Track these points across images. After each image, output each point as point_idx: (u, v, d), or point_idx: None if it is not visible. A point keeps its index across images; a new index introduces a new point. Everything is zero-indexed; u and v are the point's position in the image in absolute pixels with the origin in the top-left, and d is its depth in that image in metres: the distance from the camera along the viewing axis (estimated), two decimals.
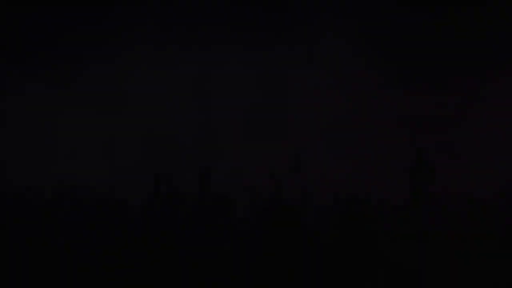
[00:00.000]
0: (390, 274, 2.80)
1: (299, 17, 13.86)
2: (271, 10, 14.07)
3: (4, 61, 14.58)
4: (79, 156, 14.29)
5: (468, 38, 13.39)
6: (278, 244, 2.72)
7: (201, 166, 5.02)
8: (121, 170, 13.62)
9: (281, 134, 14.30)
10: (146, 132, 14.91)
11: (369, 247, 2.74)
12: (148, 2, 14.17)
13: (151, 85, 15.27)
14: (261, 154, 13.69)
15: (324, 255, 3.38)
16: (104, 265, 4.32)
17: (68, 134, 14.80)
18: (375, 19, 13.44)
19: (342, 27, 13.63)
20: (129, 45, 14.37)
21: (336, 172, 12.20)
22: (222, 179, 9.61)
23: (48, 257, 4.00)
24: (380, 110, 15.14)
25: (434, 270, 3.62)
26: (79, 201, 7.26)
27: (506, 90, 13.90)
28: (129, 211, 7.09)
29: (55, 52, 14.26)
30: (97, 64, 14.36)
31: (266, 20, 14.03)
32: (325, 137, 14.20)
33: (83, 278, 4.11)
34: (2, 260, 3.93)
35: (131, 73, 15.11)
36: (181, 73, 15.38)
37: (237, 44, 14.32)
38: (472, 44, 13.47)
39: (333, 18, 13.68)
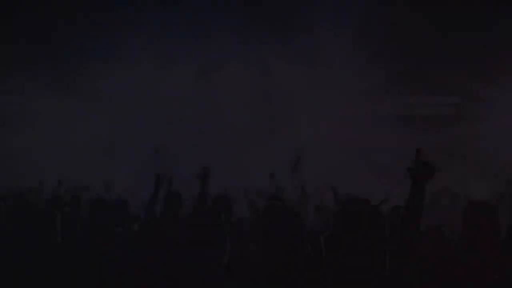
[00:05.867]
0: (390, 273, 2.79)
1: (300, 16, 13.88)
2: (271, 9, 14.09)
3: (4, 61, 14.60)
4: (79, 156, 14.30)
5: (468, 38, 13.40)
6: (278, 244, 2.71)
7: (200, 166, 5.00)
8: (121, 170, 13.63)
9: (280, 134, 14.31)
10: (146, 132, 14.92)
11: (369, 247, 2.74)
12: (148, 1, 14.19)
13: (150, 84, 15.28)
14: (261, 154, 13.70)
15: (324, 255, 3.37)
16: (103, 266, 4.31)
17: (68, 134, 14.81)
18: (375, 19, 13.45)
19: (342, 26, 13.65)
20: (129, 44, 14.37)
21: (336, 172, 12.20)
22: (222, 179, 9.58)
23: (47, 257, 3.99)
24: (380, 110, 15.15)
25: (433, 270, 3.61)
26: (78, 201, 7.24)
27: (506, 90, 13.91)
28: (129, 211, 7.08)
29: (55, 51, 14.27)
30: (97, 64, 14.37)
31: (266, 18, 14.05)
32: (325, 137, 14.21)
33: (82, 279, 4.10)
34: (2, 260, 3.92)
35: (130, 72, 15.12)
36: (181, 72, 15.39)
37: (236, 43, 14.33)
38: (472, 44, 13.48)
39: (333, 18, 13.70)
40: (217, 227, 3.49)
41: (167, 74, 15.37)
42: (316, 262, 3.10)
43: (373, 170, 13.50)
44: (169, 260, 3.69)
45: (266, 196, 7.44)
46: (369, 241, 2.92)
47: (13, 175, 12.88)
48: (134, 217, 6.67)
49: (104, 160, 14.21)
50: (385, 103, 15.17)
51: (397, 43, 13.72)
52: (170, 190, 6.10)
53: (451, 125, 14.24)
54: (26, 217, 4.09)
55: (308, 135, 13.75)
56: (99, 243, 4.64)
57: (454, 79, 14.01)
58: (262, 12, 14.08)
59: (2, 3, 13.82)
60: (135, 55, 14.79)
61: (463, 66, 13.76)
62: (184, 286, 3.34)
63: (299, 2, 13.99)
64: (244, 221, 5.62)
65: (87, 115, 14.95)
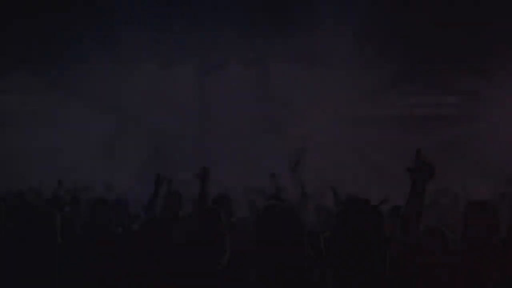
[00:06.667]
0: (390, 273, 2.79)
1: (300, 16, 13.88)
2: (271, 9, 14.08)
3: (4, 61, 14.60)
4: (79, 156, 14.30)
5: (468, 38, 13.40)
6: (278, 244, 2.70)
7: (200, 166, 5.00)
8: (121, 170, 13.63)
9: (280, 134, 14.30)
10: (146, 132, 14.92)
11: (369, 247, 2.73)
12: (149, 1, 14.19)
13: (151, 84, 15.28)
14: (261, 154, 13.70)
15: (324, 255, 3.37)
16: (103, 266, 4.32)
17: (68, 134, 14.80)
18: (375, 19, 13.45)
19: (342, 26, 13.64)
20: (129, 44, 14.37)
21: (336, 172, 12.21)
22: (222, 179, 9.59)
23: (47, 257, 3.99)
24: (380, 110, 15.15)
25: (433, 270, 3.61)
26: (78, 201, 7.24)
27: (506, 90, 13.91)
28: (129, 211, 7.09)
29: (54, 52, 14.27)
30: (97, 64, 14.37)
31: (266, 18, 14.04)
32: (325, 137, 14.21)
33: (82, 279, 4.10)
34: (2, 260, 3.92)
35: (131, 72, 15.13)
36: (181, 72, 15.40)
37: (236, 43, 14.33)
38: (472, 44, 13.48)
39: (333, 17, 13.70)
40: (217, 227, 3.49)
41: (167, 74, 15.37)
42: (316, 262, 3.10)
43: (373, 170, 13.50)
44: (169, 260, 3.69)
45: (266, 196, 7.43)
46: (369, 241, 2.92)
47: (13, 175, 12.88)
48: (134, 217, 6.67)
49: (104, 160, 14.21)
50: (385, 103, 15.18)
51: (397, 43, 13.72)
52: (170, 190, 6.10)
53: (451, 125, 14.24)
54: (26, 217, 4.08)
55: (308, 135, 13.74)
56: (99, 243, 4.64)
57: (454, 79, 14.00)
58: (262, 12, 14.08)
59: (2, 4, 13.82)
60: (135, 55, 14.78)
61: (463, 66, 13.75)
62: (184, 286, 3.34)
63: (299, 2, 13.99)
64: (244, 221, 5.61)
65: (87, 115, 14.95)
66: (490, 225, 3.95)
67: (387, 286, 2.93)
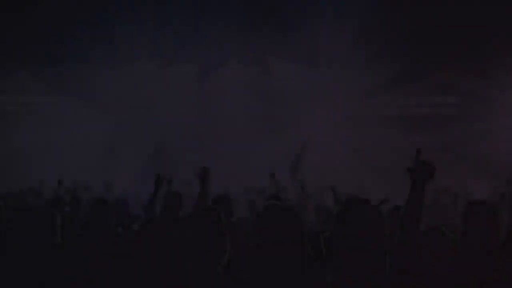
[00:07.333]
0: (390, 273, 2.79)
1: (300, 16, 13.88)
2: (271, 9, 14.08)
3: (4, 61, 14.60)
4: (79, 156, 14.30)
5: (468, 38, 13.40)
6: (277, 244, 2.70)
7: (200, 166, 5.00)
8: (120, 170, 13.62)
9: (280, 134, 14.30)
10: (146, 132, 14.92)
11: (369, 247, 2.73)
12: (148, 1, 14.20)
13: (151, 84, 15.28)
14: (261, 154, 13.69)
15: (324, 255, 3.37)
16: (102, 266, 4.32)
17: (68, 134, 14.80)
18: (375, 19, 13.45)
19: (342, 26, 13.64)
20: (128, 44, 14.37)
21: (336, 172, 12.20)
22: (222, 179, 9.57)
23: (47, 257, 3.99)
24: (380, 110, 15.15)
25: (433, 270, 3.61)
26: (78, 201, 7.25)
27: (506, 90, 13.91)
28: (129, 211, 7.09)
29: (54, 51, 14.28)
30: (97, 64, 14.37)
31: (266, 18, 14.04)
32: (325, 137, 14.20)
33: (83, 279, 4.10)
34: (2, 260, 3.92)
35: (131, 72, 15.12)
36: (181, 72, 15.39)
37: (236, 43, 14.33)
38: (472, 44, 13.48)
39: (333, 17, 13.70)
40: (217, 227, 3.49)
41: (167, 74, 15.37)
42: (316, 262, 3.10)
43: (373, 170, 13.49)
44: (169, 260, 3.69)
45: (266, 196, 7.43)
46: (369, 241, 2.93)
47: (13, 175, 12.89)
48: (134, 217, 6.67)
49: (104, 160, 14.20)
50: (385, 103, 15.18)
51: (397, 43, 13.72)
52: (170, 190, 6.09)
53: (451, 125, 14.24)
54: (26, 217, 4.08)
55: (308, 135, 13.74)
56: (99, 243, 4.64)
57: (454, 79, 14.00)
58: (262, 12, 14.08)
59: (2, 4, 13.82)
60: (135, 55, 14.79)
61: (463, 66, 13.76)
62: (184, 286, 3.34)
63: (299, 2, 13.99)
64: (244, 221, 5.61)
65: (87, 115, 14.96)
66: (490, 225, 3.95)
67: (387, 286, 2.93)
